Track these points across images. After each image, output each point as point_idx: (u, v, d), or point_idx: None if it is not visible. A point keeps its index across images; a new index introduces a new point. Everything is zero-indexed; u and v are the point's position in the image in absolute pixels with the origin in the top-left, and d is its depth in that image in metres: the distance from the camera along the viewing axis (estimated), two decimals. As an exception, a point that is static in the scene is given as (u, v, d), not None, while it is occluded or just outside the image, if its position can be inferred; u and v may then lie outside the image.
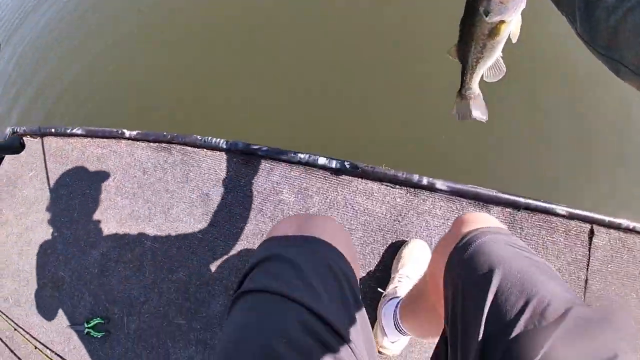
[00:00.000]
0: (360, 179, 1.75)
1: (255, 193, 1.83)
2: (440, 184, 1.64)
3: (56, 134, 2.45)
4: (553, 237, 1.57)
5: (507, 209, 1.62)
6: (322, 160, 1.74)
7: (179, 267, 1.84)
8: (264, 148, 1.82)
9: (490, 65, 0.88)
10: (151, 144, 2.15)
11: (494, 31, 0.77)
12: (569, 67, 2.54)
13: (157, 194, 2.02)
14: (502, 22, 0.74)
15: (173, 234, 1.90)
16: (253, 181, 1.84)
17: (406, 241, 1.64)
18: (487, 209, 1.63)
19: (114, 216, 2.06)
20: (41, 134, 2.43)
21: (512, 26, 0.77)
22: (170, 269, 1.85)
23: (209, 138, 1.94)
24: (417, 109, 2.64)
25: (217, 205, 1.87)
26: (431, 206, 1.68)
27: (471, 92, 0.95)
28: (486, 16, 0.73)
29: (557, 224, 1.58)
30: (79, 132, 2.37)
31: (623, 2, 0.47)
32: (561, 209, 1.56)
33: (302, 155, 1.77)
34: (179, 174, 2.01)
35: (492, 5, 0.71)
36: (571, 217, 1.56)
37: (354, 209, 1.73)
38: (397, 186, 1.70)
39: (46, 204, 2.25)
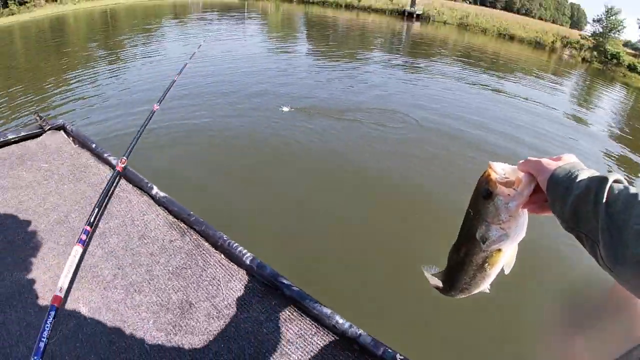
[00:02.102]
0: None
1: (252, 340, 1.30)
2: None
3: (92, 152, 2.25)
4: None
5: None
6: (364, 340, 1.21)
7: None
8: (294, 288, 1.39)
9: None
10: (170, 216, 1.82)
11: (488, 261, 0.70)
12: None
13: (134, 268, 1.58)
14: (499, 250, 0.68)
15: (117, 322, 1.38)
16: (258, 323, 1.35)
17: None
18: None
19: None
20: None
21: (507, 256, 0.70)
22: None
23: (234, 244, 1.58)
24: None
25: (195, 324, 1.37)
26: None
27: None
28: (483, 243, 0.67)
29: None
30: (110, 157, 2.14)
31: None
32: None
33: (340, 321, 1.27)
34: (176, 263, 1.60)
35: (491, 231, 0.66)
36: None
37: None
38: None
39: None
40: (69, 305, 1.41)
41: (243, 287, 1.46)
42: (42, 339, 1.19)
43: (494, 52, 18.98)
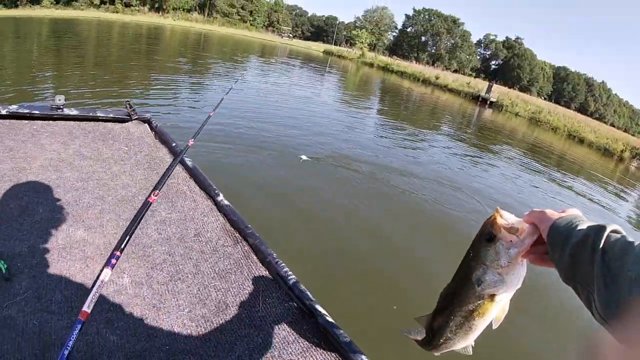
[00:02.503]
0: None
1: (275, 355, 1.27)
2: None
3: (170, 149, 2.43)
4: None
5: None
6: None
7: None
8: (329, 319, 1.35)
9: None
10: (228, 224, 1.90)
11: (479, 308, 0.68)
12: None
13: (184, 259, 1.65)
14: (492, 299, 0.67)
15: (155, 300, 1.43)
16: (285, 342, 1.32)
17: None
18: None
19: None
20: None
21: (499, 307, 0.68)
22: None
23: (281, 263, 1.60)
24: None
25: (225, 325, 1.38)
26: None
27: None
28: (478, 286, 0.66)
29: None
30: (189, 163, 2.30)
31: None
32: None
33: (364, 358, 1.25)
34: (223, 266, 1.64)
35: (488, 275, 0.66)
36: None
37: None
38: None
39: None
40: (116, 272, 1.48)
41: (280, 305, 1.47)
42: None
43: (561, 151, 18.31)
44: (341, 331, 1.32)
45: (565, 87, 70.48)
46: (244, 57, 22.69)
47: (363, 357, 1.25)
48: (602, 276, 0.51)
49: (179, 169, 2.30)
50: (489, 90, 31.55)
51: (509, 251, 0.65)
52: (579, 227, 0.58)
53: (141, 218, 1.72)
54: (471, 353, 0.77)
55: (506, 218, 0.67)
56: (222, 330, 1.35)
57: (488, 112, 25.98)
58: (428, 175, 6.83)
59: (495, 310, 0.69)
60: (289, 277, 1.55)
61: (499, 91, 34.08)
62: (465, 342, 0.75)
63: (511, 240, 0.65)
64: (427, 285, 3.55)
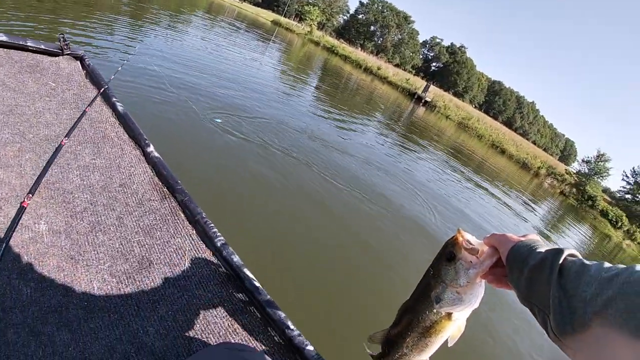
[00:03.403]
0: None
1: (200, 317, 1.28)
2: None
3: (103, 92, 2.24)
4: None
5: None
6: (309, 352, 1.20)
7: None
8: (256, 283, 1.37)
9: None
10: (156, 177, 1.82)
11: (435, 326, 0.70)
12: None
13: (106, 209, 1.56)
14: (449, 317, 0.69)
15: (73, 252, 1.34)
16: (211, 304, 1.33)
17: None
18: None
19: (50, 175, 1.56)
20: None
21: (455, 326, 0.70)
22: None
23: (210, 223, 1.57)
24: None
25: (148, 282, 1.33)
26: None
27: None
28: (436, 303, 0.68)
29: None
30: (120, 107, 2.14)
31: (602, 291, 0.47)
32: None
33: (291, 326, 1.26)
34: (148, 221, 1.58)
35: (447, 293, 0.67)
36: None
37: None
38: None
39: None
40: (30, 218, 1.37)
41: (207, 266, 1.46)
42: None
43: (483, 157, 19.70)
44: (268, 298, 1.35)
45: (497, 100, 75.40)
46: (190, 10, 21.12)
47: (289, 323, 1.29)
48: (558, 297, 0.53)
49: (108, 113, 2.14)
50: (426, 89, 32.66)
51: (469, 271, 0.67)
52: (537, 250, 0.61)
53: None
54: None
55: (467, 238, 0.70)
56: (144, 288, 1.31)
57: (421, 110, 26.79)
58: (355, 152, 7.02)
59: (451, 328, 0.70)
60: (217, 238, 1.53)
61: (434, 92, 35.47)
62: (421, 359, 0.75)
63: (471, 261, 0.67)
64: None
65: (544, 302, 0.56)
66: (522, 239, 0.66)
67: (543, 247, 0.62)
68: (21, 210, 1.34)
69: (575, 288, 0.51)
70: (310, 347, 1.23)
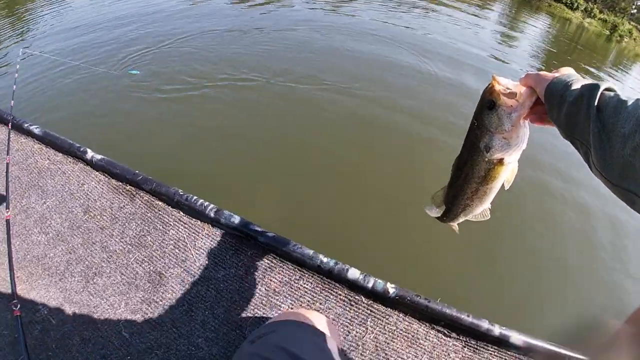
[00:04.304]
0: (403, 315, 1.14)
1: (236, 299, 1.19)
2: (515, 338, 1.07)
3: (12, 125, 1.89)
4: None
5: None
6: (353, 274, 1.14)
7: None
8: (269, 234, 1.24)
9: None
10: (113, 180, 1.59)
11: (490, 173, 0.73)
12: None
13: (88, 247, 1.40)
14: (501, 163, 0.71)
15: (85, 314, 1.23)
16: (239, 279, 1.22)
17: None
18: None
19: (16, 252, 1.40)
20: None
21: (508, 171, 0.73)
22: None
23: (193, 197, 1.39)
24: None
25: (170, 296, 1.23)
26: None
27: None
28: (487, 152, 0.70)
29: None
30: (37, 131, 1.82)
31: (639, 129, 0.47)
32: None
33: (324, 260, 1.17)
34: (132, 231, 1.41)
35: (495, 140, 0.69)
36: None
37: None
38: (454, 334, 1.12)
39: None
40: (27, 312, 1.24)
41: (213, 242, 1.31)
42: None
43: None
44: (288, 242, 1.21)
45: None
46: None
47: (321, 256, 1.17)
48: (598, 133, 0.52)
49: (29, 144, 1.83)
50: None
51: (511, 116, 0.67)
52: (573, 87, 0.59)
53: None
54: (489, 216, 0.82)
55: (503, 84, 0.68)
56: (169, 304, 1.21)
57: None
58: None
59: (505, 173, 0.72)
60: (208, 208, 1.35)
61: None
62: (483, 206, 0.79)
63: (511, 105, 0.67)
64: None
65: (585, 137, 0.56)
66: (557, 75, 0.64)
67: (579, 82, 0.60)
68: (14, 316, 1.20)
69: (614, 124, 0.51)
70: (351, 268, 1.10)
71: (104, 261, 1.35)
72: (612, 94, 0.55)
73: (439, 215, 0.88)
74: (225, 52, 5.05)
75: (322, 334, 0.82)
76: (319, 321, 0.89)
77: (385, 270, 2.06)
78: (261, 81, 4.37)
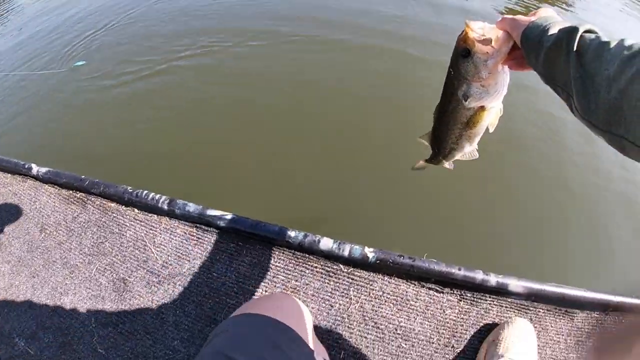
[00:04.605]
0: (388, 278, 1.06)
1: (206, 291, 1.11)
2: (514, 285, 1.00)
3: None
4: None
5: (594, 314, 1.04)
6: (326, 244, 1.05)
7: None
8: (227, 216, 1.14)
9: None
10: (62, 190, 1.48)
11: (472, 119, 0.70)
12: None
13: (49, 267, 1.31)
14: (482, 109, 0.68)
15: (60, 338, 1.16)
16: (205, 270, 1.14)
17: (499, 324, 1.03)
18: (570, 316, 1.03)
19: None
20: None
21: (492, 115, 0.71)
22: None
23: (144, 192, 1.28)
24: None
25: (138, 302, 1.15)
26: (497, 317, 1.03)
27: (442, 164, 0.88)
28: (465, 101, 0.68)
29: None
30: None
31: (625, 69, 0.44)
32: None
33: (292, 234, 1.09)
34: (89, 240, 1.31)
35: (473, 89, 0.66)
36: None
37: (377, 328, 1.04)
38: (447, 289, 1.05)
39: None
40: (6, 346, 1.18)
41: (172, 236, 1.21)
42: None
43: None
44: (250, 222, 1.11)
45: None
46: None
47: (288, 232, 1.06)
48: (580, 78, 0.50)
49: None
50: None
51: (487, 62, 0.64)
52: (550, 32, 0.56)
53: None
54: (477, 156, 0.80)
55: (477, 29, 0.64)
56: (139, 310, 1.13)
57: None
58: None
59: (488, 118, 0.70)
60: (161, 201, 1.25)
61: None
62: (470, 147, 0.78)
63: (487, 52, 0.63)
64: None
65: (566, 83, 0.53)
66: (533, 18, 0.60)
67: (557, 25, 0.56)
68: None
69: (597, 67, 0.48)
70: (324, 240, 1.01)
71: (67, 278, 1.27)
72: (592, 35, 0.52)
73: (428, 158, 0.88)
74: (178, 22, 4.67)
75: (285, 328, 0.72)
76: (287, 308, 0.79)
77: (368, 234, 1.94)
78: (222, 46, 4.08)
